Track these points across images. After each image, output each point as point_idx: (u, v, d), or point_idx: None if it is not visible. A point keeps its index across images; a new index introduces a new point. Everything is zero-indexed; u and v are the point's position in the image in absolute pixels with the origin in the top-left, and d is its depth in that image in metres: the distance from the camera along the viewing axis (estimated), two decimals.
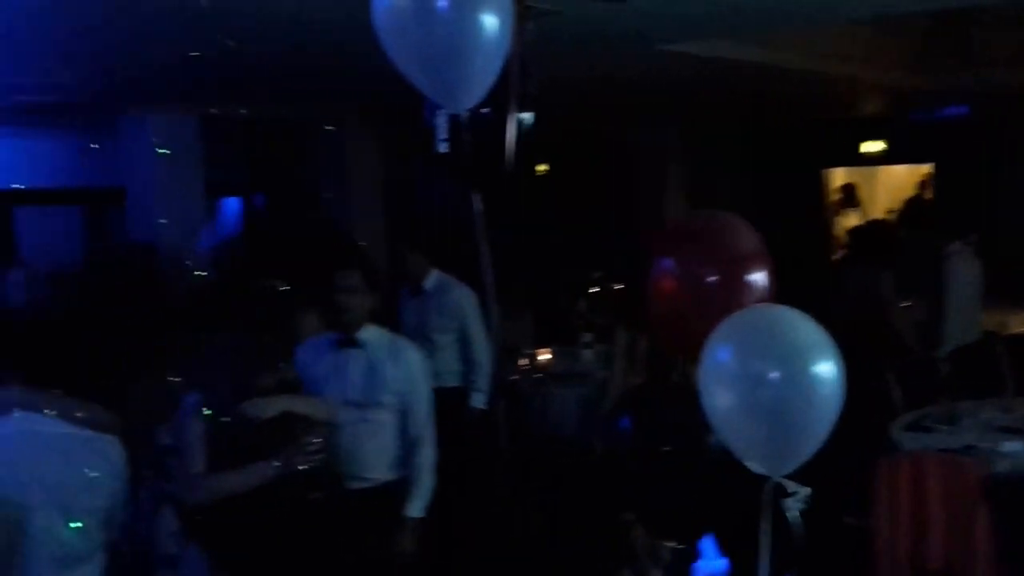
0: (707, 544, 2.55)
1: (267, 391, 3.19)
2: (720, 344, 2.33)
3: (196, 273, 6.32)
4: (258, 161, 8.23)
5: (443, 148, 2.24)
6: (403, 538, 3.47)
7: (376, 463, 3.51)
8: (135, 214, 7.21)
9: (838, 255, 9.96)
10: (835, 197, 11.56)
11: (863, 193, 11.59)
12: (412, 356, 3.57)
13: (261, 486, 3.05)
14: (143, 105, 6.84)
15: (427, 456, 3.53)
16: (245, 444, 3.10)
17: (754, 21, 4.90)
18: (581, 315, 6.19)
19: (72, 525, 2.53)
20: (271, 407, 3.16)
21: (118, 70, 5.38)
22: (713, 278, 2.55)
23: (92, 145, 7.35)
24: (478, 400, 4.73)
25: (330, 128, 7.88)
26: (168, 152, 6.77)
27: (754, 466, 2.30)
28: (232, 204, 8.72)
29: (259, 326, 3.40)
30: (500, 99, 2.46)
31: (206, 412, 3.12)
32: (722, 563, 2.52)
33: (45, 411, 2.57)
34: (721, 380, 2.32)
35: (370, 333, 3.55)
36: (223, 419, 3.11)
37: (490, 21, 2.13)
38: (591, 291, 6.54)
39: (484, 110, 2.33)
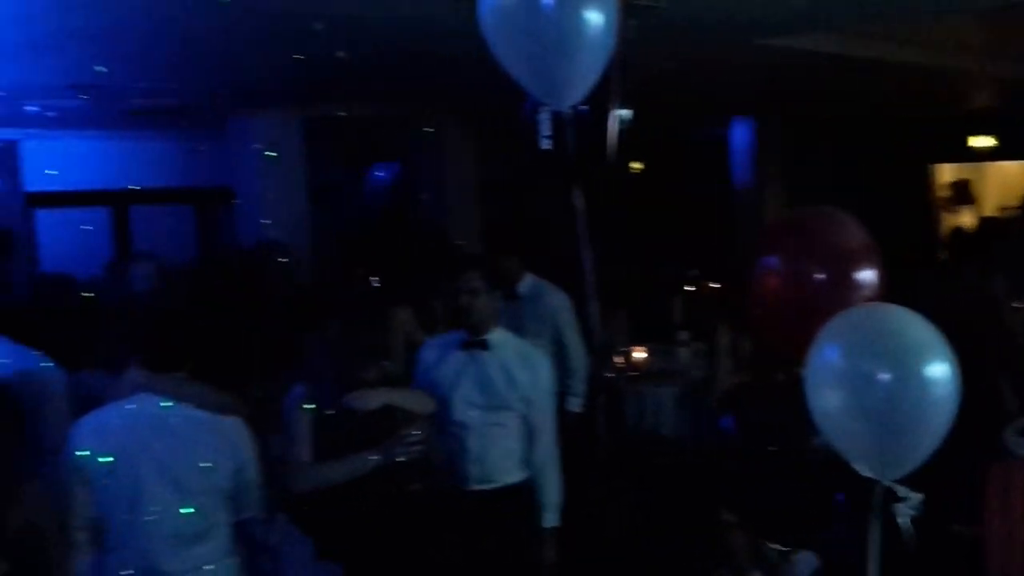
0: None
1: (370, 384, 3.26)
2: (828, 343, 2.28)
3: (299, 269, 6.49)
4: (358, 161, 8.41)
5: (546, 145, 2.25)
6: (542, 550, 3.44)
7: (503, 466, 3.49)
8: (243, 213, 7.49)
9: (947, 253, 9.57)
10: (946, 193, 11.11)
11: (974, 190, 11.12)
12: (541, 362, 3.55)
13: (362, 476, 3.12)
14: (250, 107, 7.09)
15: (552, 460, 3.50)
16: (348, 435, 3.17)
17: (863, 14, 4.76)
18: (677, 313, 6.12)
19: (184, 507, 2.65)
20: (373, 400, 3.22)
21: (227, 74, 5.59)
22: (820, 276, 2.49)
23: (201, 147, 7.65)
24: (573, 404, 4.69)
25: (428, 129, 7.99)
26: (274, 153, 6.99)
27: (862, 469, 2.24)
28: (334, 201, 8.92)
29: (360, 322, 3.46)
30: (598, 96, 2.46)
31: (311, 404, 3.21)
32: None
33: (166, 394, 2.70)
34: (829, 380, 2.26)
35: (498, 336, 3.53)
36: (327, 411, 3.20)
37: (595, 18, 2.14)
38: (687, 289, 6.46)
39: (582, 107, 2.34)
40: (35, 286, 4.43)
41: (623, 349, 5.75)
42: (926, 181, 11.11)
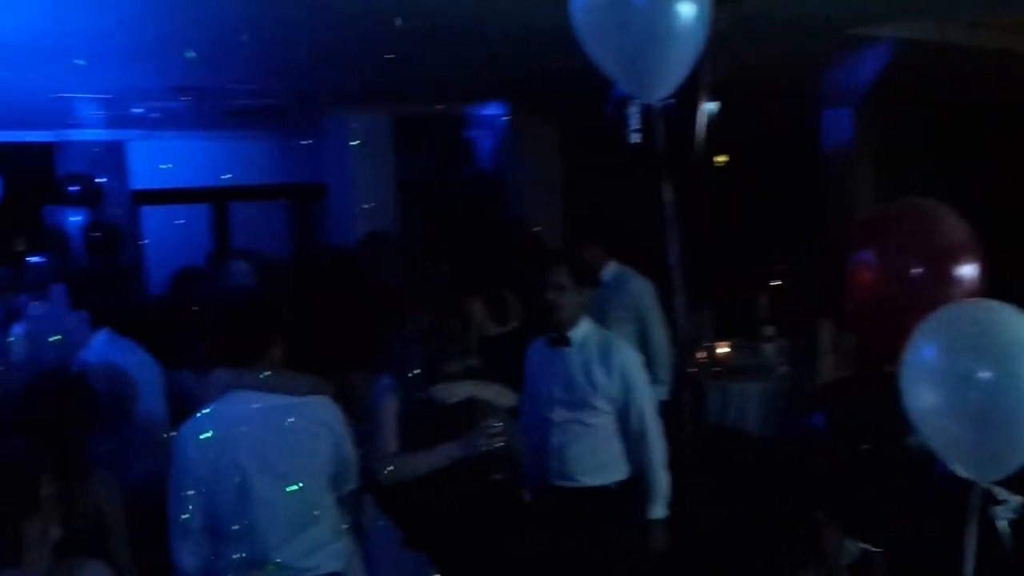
0: None
1: (454, 377, 3.32)
2: (925, 340, 2.22)
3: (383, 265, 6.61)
4: (449, 156, 8.52)
5: (635, 139, 2.25)
6: (651, 539, 3.44)
7: (584, 466, 3.47)
8: (336, 209, 7.69)
9: None
10: None
11: None
12: (626, 356, 3.50)
13: (445, 467, 3.18)
14: (343, 106, 7.26)
15: (656, 453, 3.45)
16: (432, 427, 3.24)
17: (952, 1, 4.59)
18: (763, 308, 6.00)
19: (289, 489, 2.72)
20: (457, 392, 3.28)
21: (322, 75, 5.75)
22: (918, 271, 2.42)
23: (299, 145, 7.87)
24: (658, 392, 4.68)
25: (510, 122, 8.04)
26: (363, 150, 7.16)
27: (959, 470, 2.17)
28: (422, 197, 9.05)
29: (446, 314, 3.51)
30: (685, 89, 2.44)
31: (397, 395, 3.28)
32: None
33: (254, 388, 2.77)
34: (925, 379, 2.20)
35: (582, 331, 3.51)
36: (413, 402, 3.27)
37: (687, 10, 2.12)
38: (773, 284, 6.32)
39: (669, 101, 2.33)
40: (176, 279, 4.61)
41: (706, 344, 5.68)
42: None
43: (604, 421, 3.48)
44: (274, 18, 3.99)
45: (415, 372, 3.27)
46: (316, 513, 2.80)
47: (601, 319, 4.80)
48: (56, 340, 3.86)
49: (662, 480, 3.44)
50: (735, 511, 3.52)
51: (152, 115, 6.61)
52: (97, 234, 6.43)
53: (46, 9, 3.59)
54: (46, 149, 7.54)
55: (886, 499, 2.59)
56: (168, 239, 7.69)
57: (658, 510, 3.44)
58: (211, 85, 5.60)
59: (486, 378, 3.40)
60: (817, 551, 2.63)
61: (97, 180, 7.27)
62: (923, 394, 2.21)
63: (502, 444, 3.21)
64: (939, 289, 2.38)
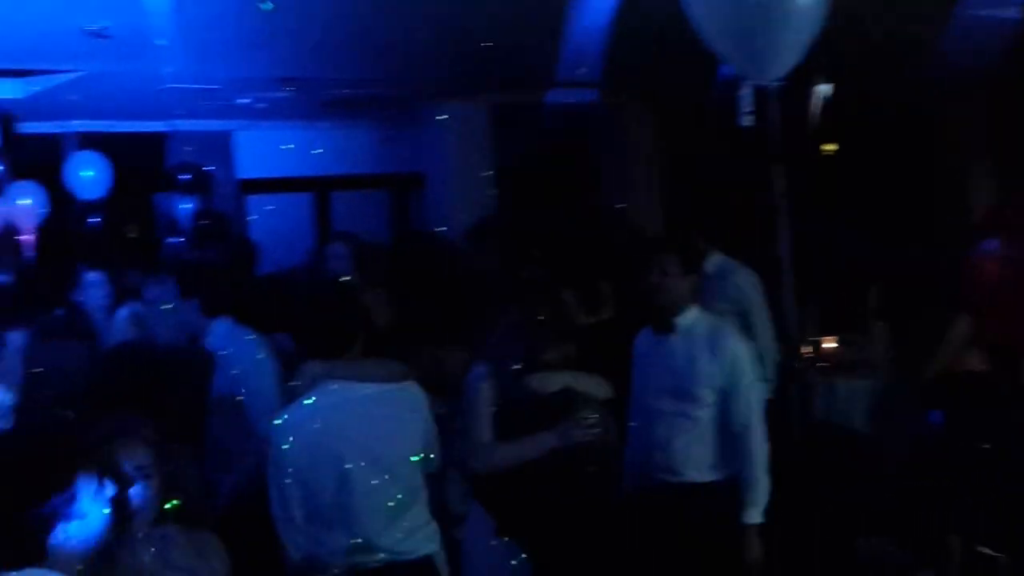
0: None
1: (551, 366, 3.28)
2: None
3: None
4: (547, 145, 8.48)
5: (747, 122, 2.16)
6: (745, 546, 3.29)
7: (687, 461, 3.37)
8: (434, 198, 7.74)
9: None
10: None
11: None
12: (734, 345, 3.36)
13: (540, 457, 3.15)
14: (442, 96, 7.31)
15: (758, 452, 3.30)
16: (527, 416, 3.21)
17: None
18: (873, 302, 5.75)
19: (389, 481, 2.76)
20: (554, 382, 3.25)
21: (421, 65, 5.79)
22: None
23: (398, 134, 7.96)
24: (761, 391, 4.53)
25: (611, 109, 7.94)
26: (461, 140, 7.19)
27: None
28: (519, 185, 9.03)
29: (544, 304, 3.47)
30: (797, 70, 2.33)
31: (494, 383, 3.26)
32: None
33: (344, 378, 2.81)
34: None
35: (690, 318, 3.41)
36: (509, 391, 3.25)
37: None
38: (885, 277, 6.04)
39: (781, 82, 2.23)
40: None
41: (812, 339, 5.50)
42: None
43: (708, 414, 3.37)
44: (379, 5, 4.02)
45: (512, 360, 3.25)
46: (411, 497, 2.84)
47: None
48: (173, 323, 3.96)
49: (763, 482, 3.31)
50: (841, 511, 3.38)
51: (258, 105, 6.79)
52: (206, 222, 6.60)
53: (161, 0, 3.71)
54: (156, 139, 7.81)
55: (1008, 500, 2.43)
56: (273, 228, 7.89)
57: (755, 514, 3.30)
58: (315, 76, 5.71)
59: (581, 368, 3.36)
60: (935, 555, 2.50)
61: (205, 169, 7.48)
62: None
63: (598, 436, 3.17)
64: None
